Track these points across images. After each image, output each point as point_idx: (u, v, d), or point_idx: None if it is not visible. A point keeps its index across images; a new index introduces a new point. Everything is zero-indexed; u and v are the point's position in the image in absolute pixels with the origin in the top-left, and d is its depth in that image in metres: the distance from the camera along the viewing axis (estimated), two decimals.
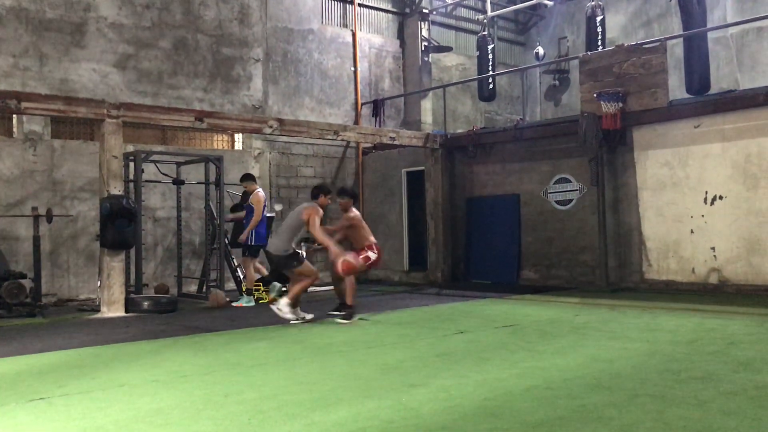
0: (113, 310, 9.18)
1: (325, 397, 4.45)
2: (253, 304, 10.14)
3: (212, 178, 11.22)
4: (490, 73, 15.15)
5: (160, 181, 11.35)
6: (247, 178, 10.70)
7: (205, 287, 10.97)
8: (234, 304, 10.06)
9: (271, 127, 11.11)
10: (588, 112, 11.00)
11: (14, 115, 10.79)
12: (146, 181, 10.96)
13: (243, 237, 10.29)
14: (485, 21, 15.80)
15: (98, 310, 9.37)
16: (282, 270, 8.46)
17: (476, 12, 17.31)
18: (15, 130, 11.06)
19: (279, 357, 5.97)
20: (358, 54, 15.24)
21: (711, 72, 11.46)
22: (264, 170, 13.64)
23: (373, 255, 8.44)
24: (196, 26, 12.76)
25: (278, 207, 13.29)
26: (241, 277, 11.02)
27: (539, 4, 15.59)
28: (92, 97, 10.53)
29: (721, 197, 10.11)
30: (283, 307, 7.92)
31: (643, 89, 10.64)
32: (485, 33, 15.45)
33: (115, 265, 9.33)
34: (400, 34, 16.26)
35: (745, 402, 4.11)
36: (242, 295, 10.42)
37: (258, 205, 10.30)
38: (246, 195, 11.66)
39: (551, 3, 15.69)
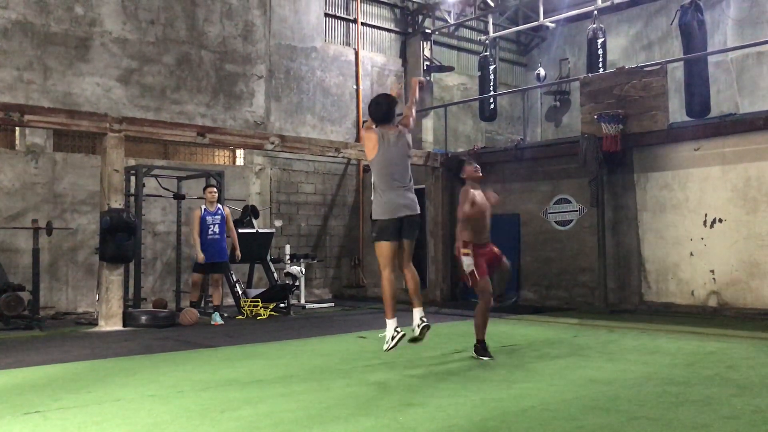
0: (111, 324, 9.15)
1: (322, 415, 4.43)
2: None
3: None
4: (492, 93, 15.23)
5: (160, 196, 11.37)
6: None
7: (203, 302, 10.95)
8: (213, 322, 9.61)
9: (272, 143, 11.15)
10: (588, 134, 11.04)
11: (17, 128, 10.83)
12: (147, 195, 10.98)
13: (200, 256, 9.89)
14: (487, 42, 15.92)
15: (96, 324, 9.35)
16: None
17: (478, 33, 17.44)
18: (17, 142, 11.10)
19: (276, 374, 5.95)
20: (361, 72, 15.34)
21: (711, 95, 11.52)
22: (265, 186, 13.67)
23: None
24: (200, 42, 12.85)
25: (278, 223, 13.30)
26: (243, 293, 11.00)
27: (541, 26, 15.69)
28: (95, 110, 10.57)
29: (720, 220, 10.12)
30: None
31: (643, 112, 10.69)
32: (487, 53, 15.56)
33: (114, 278, 9.32)
34: (403, 54, 16.36)
35: (744, 426, 4.09)
36: (215, 311, 9.90)
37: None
38: (246, 210, 11.70)
39: (553, 25, 15.81)
